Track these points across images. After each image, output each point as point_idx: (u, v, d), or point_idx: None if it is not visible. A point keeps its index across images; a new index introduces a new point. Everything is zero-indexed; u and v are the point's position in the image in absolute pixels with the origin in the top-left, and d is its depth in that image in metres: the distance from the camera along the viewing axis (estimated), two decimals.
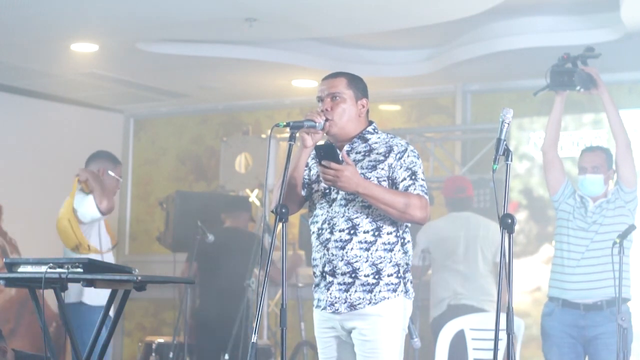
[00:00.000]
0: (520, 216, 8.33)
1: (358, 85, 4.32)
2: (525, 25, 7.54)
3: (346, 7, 6.96)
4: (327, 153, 4.10)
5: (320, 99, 4.29)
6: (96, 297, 6.23)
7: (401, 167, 4.20)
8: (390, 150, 4.23)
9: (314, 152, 4.32)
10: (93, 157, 6.84)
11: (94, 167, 6.72)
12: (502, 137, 3.90)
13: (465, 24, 7.39)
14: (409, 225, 4.28)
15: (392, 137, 4.29)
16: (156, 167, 10.45)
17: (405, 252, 4.26)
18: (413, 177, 4.19)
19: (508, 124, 3.92)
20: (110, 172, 6.69)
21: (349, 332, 4.22)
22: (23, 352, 5.72)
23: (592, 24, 7.32)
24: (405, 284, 4.22)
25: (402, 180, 4.19)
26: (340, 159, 4.10)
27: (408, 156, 4.22)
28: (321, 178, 4.15)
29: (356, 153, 4.26)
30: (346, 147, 4.28)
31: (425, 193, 4.21)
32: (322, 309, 4.25)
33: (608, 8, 7.08)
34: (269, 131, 4.27)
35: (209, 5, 6.89)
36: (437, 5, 6.97)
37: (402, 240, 4.25)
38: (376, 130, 4.32)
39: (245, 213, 8.22)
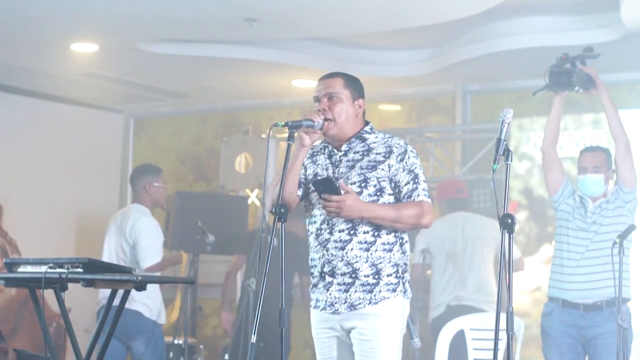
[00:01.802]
0: (520, 216, 8.33)
1: (355, 86, 4.32)
2: (525, 25, 7.54)
3: (346, 7, 6.96)
4: (325, 187, 4.12)
5: (317, 99, 4.29)
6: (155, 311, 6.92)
7: (403, 170, 4.21)
8: (390, 150, 4.23)
9: (311, 150, 4.33)
10: (134, 174, 7.26)
11: (140, 185, 7.10)
12: (502, 137, 3.91)
13: (465, 24, 7.39)
14: None
15: (390, 137, 4.30)
16: None
17: (404, 252, 4.27)
18: (416, 181, 4.21)
19: (508, 124, 3.92)
20: (155, 184, 7.08)
21: (348, 332, 4.22)
22: (25, 352, 5.73)
23: (592, 24, 7.32)
24: (404, 284, 4.24)
25: (405, 184, 4.21)
26: (338, 186, 4.11)
27: (409, 158, 4.23)
28: (325, 212, 4.16)
29: (354, 153, 4.27)
30: (344, 147, 4.28)
31: (428, 196, 4.24)
32: (321, 310, 4.24)
33: (608, 8, 7.08)
34: (268, 131, 4.26)
35: (209, 5, 6.89)
36: (437, 5, 6.97)
37: (401, 240, 4.26)
38: (373, 130, 4.33)
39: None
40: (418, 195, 4.20)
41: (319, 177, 4.26)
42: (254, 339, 3.95)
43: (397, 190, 4.22)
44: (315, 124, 4.19)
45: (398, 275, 4.21)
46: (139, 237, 6.95)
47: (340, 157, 4.27)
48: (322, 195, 4.12)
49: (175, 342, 7.58)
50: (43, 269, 4.45)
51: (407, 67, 8.56)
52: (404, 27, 7.48)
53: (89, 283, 4.45)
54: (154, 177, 7.10)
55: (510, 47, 7.68)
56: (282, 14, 7.12)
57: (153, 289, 6.91)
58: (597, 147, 6.17)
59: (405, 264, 4.27)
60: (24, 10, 6.99)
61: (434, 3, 6.94)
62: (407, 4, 6.90)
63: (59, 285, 4.47)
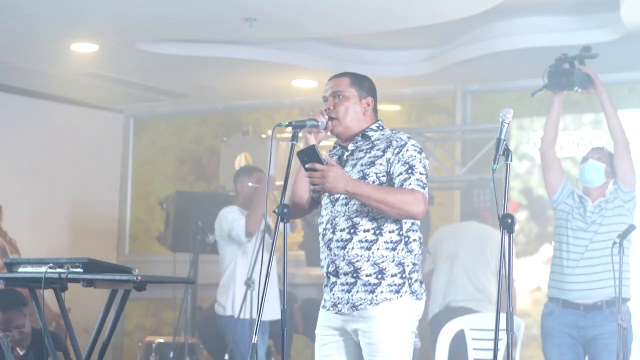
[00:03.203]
0: (520, 216, 8.33)
1: (362, 84, 4.30)
2: (525, 25, 7.54)
3: (346, 7, 6.96)
4: (310, 157, 4.07)
5: (325, 99, 4.29)
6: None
7: (399, 162, 4.13)
8: (389, 145, 4.18)
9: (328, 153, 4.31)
10: (234, 177, 7.48)
11: (235, 186, 7.32)
12: (502, 137, 3.90)
13: (465, 24, 7.39)
14: (417, 223, 4.20)
15: (395, 132, 4.24)
16: (156, 167, 10.45)
17: (410, 251, 4.16)
18: (410, 171, 4.11)
19: (508, 124, 3.91)
20: (249, 184, 7.24)
21: (350, 333, 4.20)
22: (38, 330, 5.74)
23: (592, 24, 7.32)
24: (410, 284, 4.13)
25: (398, 175, 4.12)
26: (324, 161, 4.07)
27: (407, 150, 4.15)
28: (309, 183, 4.12)
29: (359, 151, 4.24)
30: (350, 146, 4.26)
31: (422, 187, 4.10)
32: (327, 310, 4.23)
33: (608, 8, 7.08)
34: (270, 131, 4.27)
35: (209, 5, 6.89)
36: (437, 5, 6.97)
37: (407, 239, 4.16)
38: (380, 127, 4.28)
39: None
40: (410, 184, 4.10)
41: (304, 147, 4.21)
42: (255, 339, 3.94)
43: (392, 183, 4.15)
44: (320, 123, 4.17)
45: (404, 275, 4.12)
46: (220, 226, 7.11)
47: (347, 156, 4.26)
48: (306, 165, 4.06)
49: (175, 342, 7.59)
50: (43, 269, 4.45)
51: (407, 67, 8.56)
52: (404, 27, 7.48)
53: (89, 283, 4.45)
54: (246, 178, 7.25)
55: (510, 47, 7.68)
56: (282, 14, 7.12)
57: (225, 287, 7.05)
58: (604, 147, 6.18)
59: (414, 264, 4.16)
60: (23, 10, 6.99)
61: (434, 3, 6.94)
62: (407, 4, 6.90)
63: (59, 285, 4.47)
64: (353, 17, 7.26)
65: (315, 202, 4.34)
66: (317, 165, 4.04)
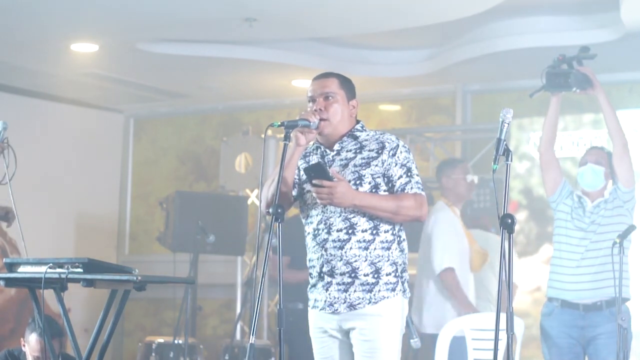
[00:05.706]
0: (520, 216, 8.33)
1: (349, 86, 4.36)
2: (525, 25, 7.54)
3: (346, 7, 6.96)
4: (317, 172, 4.11)
5: (313, 99, 4.32)
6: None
7: (396, 165, 4.21)
8: (382, 146, 4.24)
9: (303, 152, 4.33)
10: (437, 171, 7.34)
11: (440, 181, 7.17)
12: (502, 137, 3.91)
13: (465, 24, 7.39)
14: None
15: (381, 134, 4.32)
16: (156, 167, 10.45)
17: (402, 251, 4.26)
18: (409, 174, 4.22)
19: (508, 124, 3.92)
20: (451, 177, 7.09)
21: (347, 332, 4.22)
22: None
23: (592, 24, 7.32)
24: (402, 283, 4.23)
25: (398, 178, 4.21)
26: (331, 175, 4.10)
27: (401, 152, 4.24)
28: (316, 199, 4.15)
29: (347, 151, 4.28)
30: (336, 146, 4.29)
31: (422, 189, 4.24)
32: (320, 309, 4.24)
33: (608, 8, 7.08)
34: (270, 131, 4.28)
35: (209, 5, 6.90)
36: (437, 5, 6.97)
37: (399, 239, 4.26)
38: (364, 128, 4.34)
39: None
40: (412, 188, 4.20)
41: (311, 163, 4.25)
42: (252, 339, 3.95)
43: (390, 185, 4.22)
44: (312, 123, 4.21)
45: (397, 274, 4.21)
46: (431, 236, 6.94)
47: (333, 156, 4.29)
48: (313, 181, 4.11)
49: (175, 342, 7.59)
50: (43, 269, 4.45)
51: (407, 67, 8.56)
52: (404, 27, 7.48)
53: (89, 283, 4.45)
54: (450, 170, 7.12)
55: (510, 47, 7.68)
56: (282, 14, 7.12)
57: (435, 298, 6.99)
58: (602, 147, 6.18)
59: (404, 263, 4.26)
60: (24, 10, 6.99)
61: (434, 3, 6.94)
62: (407, 3, 6.90)
63: (59, 285, 4.47)
64: (353, 17, 7.26)
65: (294, 200, 4.36)
66: (325, 182, 4.09)
